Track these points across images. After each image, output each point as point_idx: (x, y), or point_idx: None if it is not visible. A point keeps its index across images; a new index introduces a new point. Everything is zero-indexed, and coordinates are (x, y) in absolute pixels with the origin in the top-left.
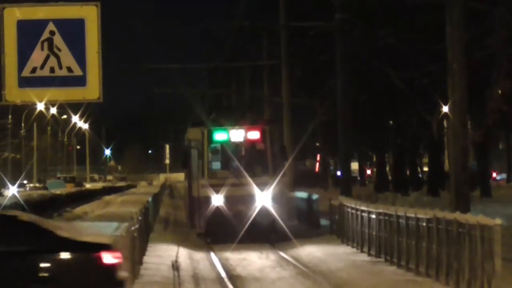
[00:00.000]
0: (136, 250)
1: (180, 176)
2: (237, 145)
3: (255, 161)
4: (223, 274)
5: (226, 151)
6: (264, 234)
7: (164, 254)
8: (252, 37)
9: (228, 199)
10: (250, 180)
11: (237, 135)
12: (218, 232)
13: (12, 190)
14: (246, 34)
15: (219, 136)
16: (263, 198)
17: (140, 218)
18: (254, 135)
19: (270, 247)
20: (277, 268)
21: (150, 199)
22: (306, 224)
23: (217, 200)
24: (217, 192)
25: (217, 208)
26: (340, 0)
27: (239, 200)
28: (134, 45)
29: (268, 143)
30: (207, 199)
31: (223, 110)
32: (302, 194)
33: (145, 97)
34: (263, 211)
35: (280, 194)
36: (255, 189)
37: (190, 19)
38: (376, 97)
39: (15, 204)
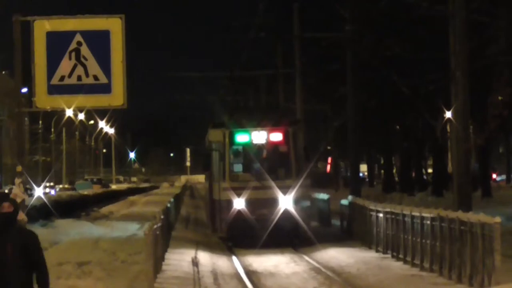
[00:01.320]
0: (158, 247)
1: (200, 177)
2: (259, 147)
3: (278, 163)
4: (240, 270)
5: (248, 153)
6: (287, 238)
7: (184, 251)
8: (269, 46)
9: (250, 202)
10: (272, 183)
11: (259, 136)
12: (240, 236)
13: (38, 192)
14: (263, 43)
15: (241, 137)
16: (286, 201)
17: (162, 217)
18: (277, 136)
19: (292, 250)
20: (291, 264)
21: (171, 199)
22: (326, 225)
23: (239, 203)
24: (238, 195)
25: (239, 211)
26: (350, 13)
27: (261, 204)
28: (157, 53)
29: (291, 145)
30: (229, 203)
31: (245, 111)
32: (323, 196)
33: (167, 102)
34: (286, 215)
35: (303, 197)
36: (278, 192)
37: (210, 29)
38: (384, 103)
39: (42, 205)
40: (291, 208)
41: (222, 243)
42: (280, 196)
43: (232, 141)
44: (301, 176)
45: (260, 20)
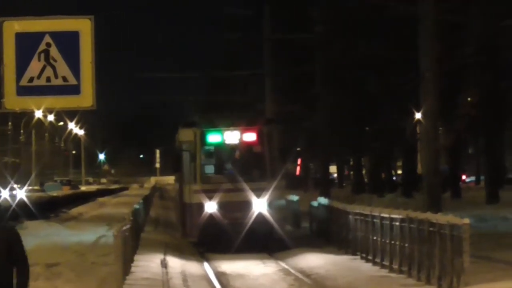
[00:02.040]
0: (127, 249)
1: (170, 179)
2: (232, 147)
3: (252, 164)
4: (210, 272)
5: (220, 154)
6: (261, 243)
7: (154, 252)
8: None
9: (222, 205)
10: (246, 185)
11: (232, 136)
12: (212, 241)
13: (4, 194)
14: (239, 44)
15: (213, 137)
16: (260, 204)
17: (131, 218)
18: (250, 136)
19: (267, 255)
20: (261, 265)
21: (141, 200)
22: (295, 226)
23: (211, 207)
24: (210, 198)
25: (211, 215)
26: (320, 14)
27: (235, 207)
28: (130, 53)
29: (265, 145)
30: (200, 206)
31: (217, 110)
32: (292, 197)
33: (138, 104)
34: (260, 219)
35: (278, 200)
36: (252, 195)
37: (186, 31)
38: (354, 104)
39: (10, 206)
40: (265, 211)
41: (193, 247)
42: (254, 199)
43: (203, 141)
44: (276, 178)
45: (232, 21)
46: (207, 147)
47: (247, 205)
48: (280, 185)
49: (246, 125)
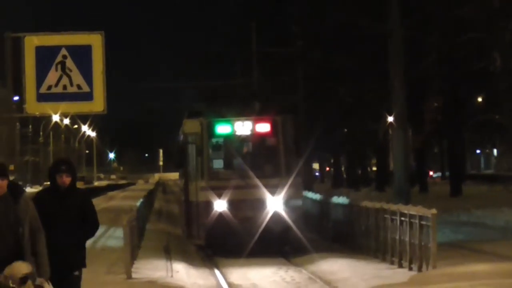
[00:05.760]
0: (135, 237)
1: (172, 175)
2: (243, 139)
3: (265, 158)
4: (210, 255)
5: (230, 147)
6: (276, 245)
7: (158, 239)
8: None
9: (232, 204)
10: (258, 181)
11: (243, 127)
12: (221, 243)
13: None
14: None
15: (222, 128)
16: (275, 202)
17: (138, 210)
18: (264, 127)
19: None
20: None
21: (146, 194)
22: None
23: (220, 205)
24: (219, 196)
25: (220, 214)
26: (301, 30)
27: (246, 205)
28: (136, 65)
29: (280, 137)
30: (208, 204)
31: (225, 99)
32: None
33: (144, 108)
34: (275, 218)
35: (294, 198)
36: (265, 192)
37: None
38: (333, 110)
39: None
40: (280, 210)
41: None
42: (268, 196)
43: (211, 133)
44: (292, 173)
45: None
46: (215, 139)
47: (260, 203)
48: (297, 181)
49: (259, 115)
